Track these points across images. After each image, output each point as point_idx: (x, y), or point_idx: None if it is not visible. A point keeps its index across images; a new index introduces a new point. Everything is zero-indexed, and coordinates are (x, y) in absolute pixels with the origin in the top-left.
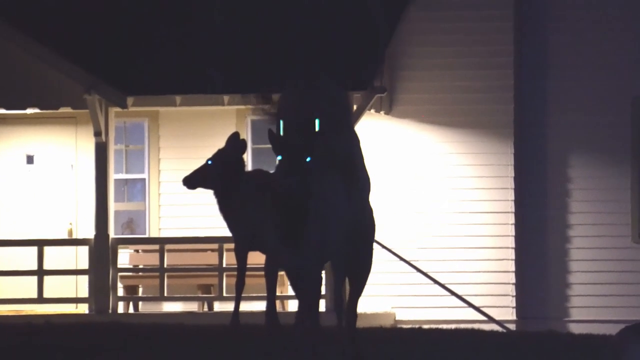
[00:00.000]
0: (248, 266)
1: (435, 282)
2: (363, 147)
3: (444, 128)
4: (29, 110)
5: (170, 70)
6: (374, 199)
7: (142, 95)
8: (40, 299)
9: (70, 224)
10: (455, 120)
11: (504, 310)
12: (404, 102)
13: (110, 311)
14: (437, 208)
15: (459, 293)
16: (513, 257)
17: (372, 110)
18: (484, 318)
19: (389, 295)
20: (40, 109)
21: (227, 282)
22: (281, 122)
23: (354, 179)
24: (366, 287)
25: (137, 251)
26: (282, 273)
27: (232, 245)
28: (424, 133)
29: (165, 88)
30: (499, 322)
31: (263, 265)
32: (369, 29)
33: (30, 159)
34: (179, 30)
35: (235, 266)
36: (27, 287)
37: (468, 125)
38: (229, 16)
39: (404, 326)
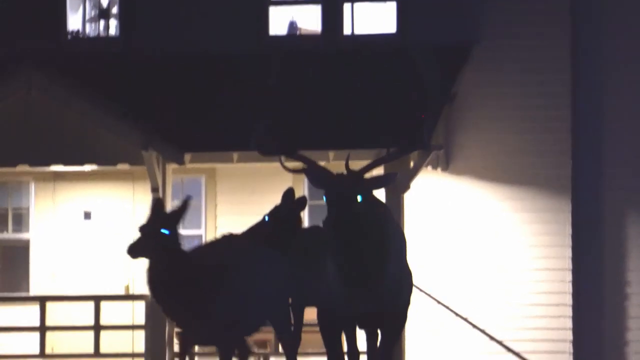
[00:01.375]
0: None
1: (492, 338)
2: (421, 204)
3: (501, 185)
4: (87, 167)
5: (227, 127)
6: (432, 255)
7: (199, 152)
8: (97, 354)
9: (127, 279)
10: (511, 178)
11: None
12: (461, 160)
13: None
14: (493, 265)
15: (516, 349)
16: (570, 314)
17: (429, 167)
18: None
19: (447, 352)
20: (98, 165)
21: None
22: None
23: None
24: (424, 344)
25: None
26: None
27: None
28: (480, 190)
29: (222, 145)
30: None
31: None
32: (426, 88)
33: (87, 215)
34: (235, 88)
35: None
36: (84, 342)
37: (525, 183)
38: (284, 76)
39: None
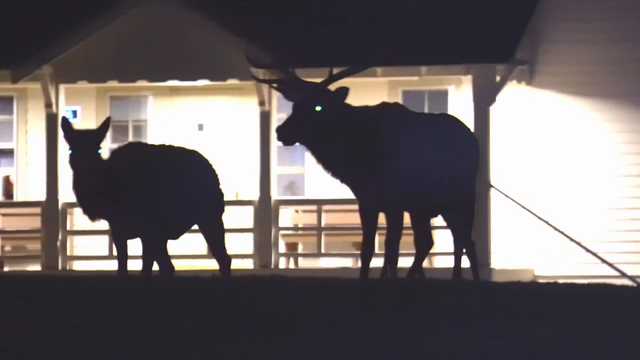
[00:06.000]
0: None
1: (572, 240)
2: (506, 116)
3: (585, 97)
4: (200, 82)
5: (325, 44)
6: (519, 164)
7: (303, 68)
8: (209, 255)
9: (236, 186)
10: (595, 90)
11: (637, 266)
12: (545, 74)
13: (272, 266)
14: (575, 171)
15: (594, 250)
16: None
17: (514, 81)
18: (617, 274)
19: (529, 253)
20: (210, 80)
21: (379, 240)
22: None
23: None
24: (508, 244)
25: (297, 211)
26: None
27: None
28: (564, 102)
29: (322, 60)
30: (631, 277)
31: (411, 224)
32: (512, 3)
33: (200, 127)
34: (335, 5)
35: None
36: (196, 244)
37: (609, 94)
38: None
39: (541, 281)
